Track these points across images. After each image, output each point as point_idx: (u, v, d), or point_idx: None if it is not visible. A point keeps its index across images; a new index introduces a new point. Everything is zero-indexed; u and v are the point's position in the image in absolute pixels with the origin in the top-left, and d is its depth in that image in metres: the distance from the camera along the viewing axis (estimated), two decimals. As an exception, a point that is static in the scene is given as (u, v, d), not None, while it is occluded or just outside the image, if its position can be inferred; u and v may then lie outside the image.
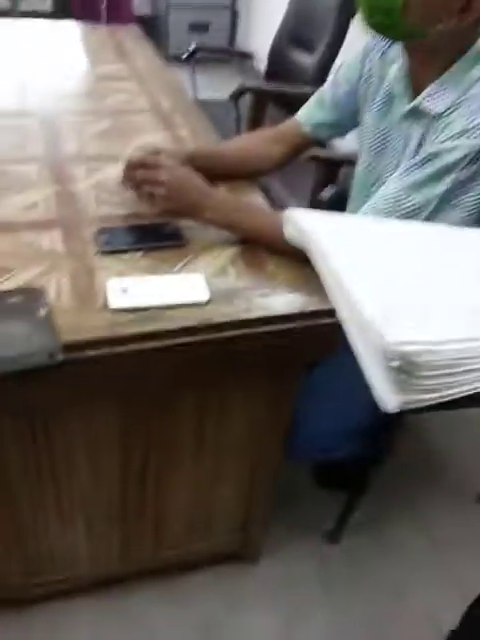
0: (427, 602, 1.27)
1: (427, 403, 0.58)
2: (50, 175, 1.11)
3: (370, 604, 1.27)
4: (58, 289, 0.82)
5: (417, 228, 0.88)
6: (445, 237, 0.85)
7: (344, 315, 0.69)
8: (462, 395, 0.59)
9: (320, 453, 1.10)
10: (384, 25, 0.88)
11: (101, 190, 1.08)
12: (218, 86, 3.04)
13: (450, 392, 0.58)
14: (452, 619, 0.87)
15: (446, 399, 0.60)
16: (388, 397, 0.58)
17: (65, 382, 0.75)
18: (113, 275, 0.86)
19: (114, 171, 1.11)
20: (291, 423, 1.04)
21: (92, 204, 1.03)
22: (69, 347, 0.72)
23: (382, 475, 1.26)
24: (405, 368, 0.55)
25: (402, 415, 1.21)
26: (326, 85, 1.16)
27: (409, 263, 0.72)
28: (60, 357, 0.70)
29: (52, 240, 0.92)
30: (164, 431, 0.95)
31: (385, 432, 1.19)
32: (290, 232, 0.85)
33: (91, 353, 0.75)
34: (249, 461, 1.08)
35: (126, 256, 0.90)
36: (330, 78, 1.15)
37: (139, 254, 0.92)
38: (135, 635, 1.17)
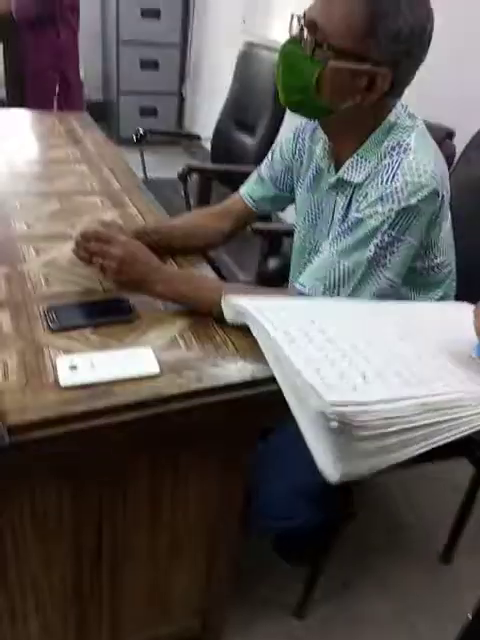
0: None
1: (367, 471, 0.59)
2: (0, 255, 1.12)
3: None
4: (5, 369, 0.81)
5: (344, 304, 0.94)
6: (367, 309, 0.92)
7: (285, 387, 0.71)
8: (397, 462, 0.61)
9: (276, 521, 1.09)
10: (299, 102, 0.97)
11: (51, 268, 1.09)
12: (167, 166, 3.17)
13: (386, 458, 0.59)
14: None
15: (383, 466, 0.61)
16: (330, 466, 0.59)
17: (12, 465, 0.73)
18: (62, 352, 0.86)
19: (65, 249, 1.13)
20: (246, 496, 1.03)
21: (41, 283, 1.04)
22: (16, 428, 0.71)
23: (343, 541, 1.24)
24: (343, 429, 0.57)
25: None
26: (263, 165, 1.24)
27: (340, 335, 0.75)
28: (6, 441, 0.69)
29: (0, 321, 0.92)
30: (117, 508, 0.92)
31: (341, 495, 1.18)
32: (229, 314, 0.90)
33: (40, 433, 0.73)
34: (206, 538, 1.05)
35: (75, 333, 0.91)
36: (267, 159, 1.24)
37: (88, 330, 0.92)
38: None
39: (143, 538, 0.98)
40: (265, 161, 1.24)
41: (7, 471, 0.74)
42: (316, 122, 1.11)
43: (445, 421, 0.59)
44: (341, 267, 0.96)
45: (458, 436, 0.60)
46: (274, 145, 1.24)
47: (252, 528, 1.10)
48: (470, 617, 0.69)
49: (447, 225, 1.05)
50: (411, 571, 1.45)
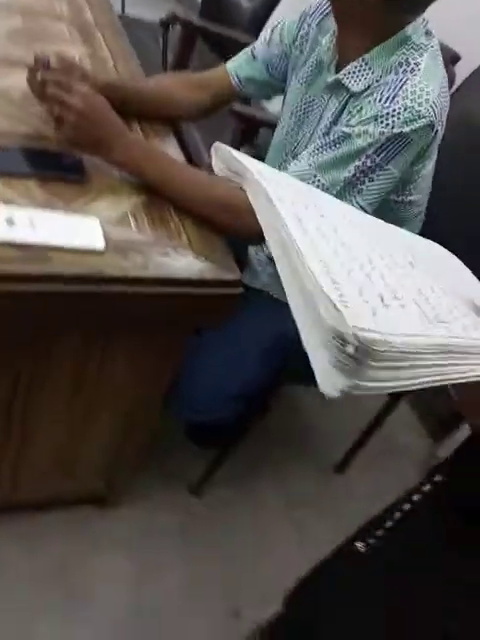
0: (276, 559, 1.35)
1: (368, 392, 0.58)
2: None
3: (225, 559, 1.33)
4: None
5: (349, 207, 0.85)
6: (373, 221, 0.82)
7: (288, 280, 0.61)
8: (400, 390, 0.60)
9: (199, 414, 1.11)
10: None
11: (2, 99, 0.96)
12: (149, 4, 2.82)
13: (391, 384, 0.57)
14: (295, 578, 0.93)
15: (386, 391, 0.60)
16: (330, 382, 0.56)
17: None
18: (0, 201, 0.78)
19: (20, 79, 0.99)
20: (174, 379, 1.03)
21: (-13, 115, 0.92)
22: None
23: (251, 436, 1.30)
24: (358, 355, 0.54)
25: (281, 384, 1.26)
26: (259, 42, 1.11)
27: (353, 240, 0.69)
28: None
29: None
30: (37, 373, 0.90)
31: (262, 399, 1.22)
32: (218, 164, 0.80)
33: (-38, 287, 0.68)
34: (126, 409, 1.06)
35: (17, 182, 0.82)
36: (264, 35, 1.10)
37: (33, 182, 0.84)
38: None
39: (60, 402, 0.98)
40: (261, 39, 1.10)
41: None
42: (328, 8, 0.98)
43: (457, 365, 0.58)
44: (316, 181, 0.90)
45: (461, 381, 0.60)
46: (273, 24, 1.10)
47: (172, 411, 1.12)
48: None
49: (431, 164, 1.00)
50: (307, 473, 1.55)
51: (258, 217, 0.69)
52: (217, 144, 0.78)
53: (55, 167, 0.87)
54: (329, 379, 0.56)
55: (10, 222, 0.74)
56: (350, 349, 0.52)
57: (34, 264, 0.72)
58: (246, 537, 1.38)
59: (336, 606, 0.77)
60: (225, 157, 0.76)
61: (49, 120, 0.92)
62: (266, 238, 0.68)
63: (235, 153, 0.74)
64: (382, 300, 0.57)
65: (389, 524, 0.74)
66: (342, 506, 1.50)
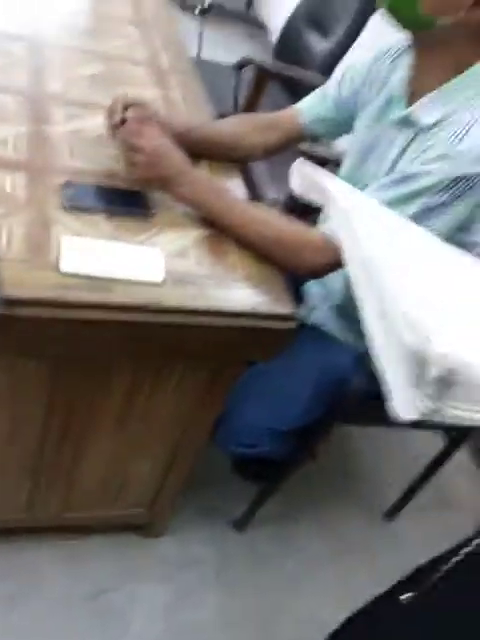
0: (314, 603, 1.32)
1: (446, 419, 0.56)
2: (27, 112, 1.05)
3: (261, 596, 1.31)
4: (10, 237, 0.79)
5: (427, 233, 0.84)
6: (449, 248, 0.82)
7: (368, 300, 0.62)
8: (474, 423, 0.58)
9: (245, 447, 1.12)
10: (398, 6, 0.87)
11: (77, 139, 1.03)
12: (225, 47, 2.95)
13: (473, 416, 0.56)
14: (335, 622, 0.90)
15: (465, 422, 0.59)
16: (409, 403, 0.55)
17: (-2, 335, 0.73)
18: (71, 233, 0.83)
19: (97, 122, 1.06)
20: (221, 412, 1.04)
21: (65, 153, 0.99)
22: (9, 302, 0.70)
23: (298, 475, 1.29)
24: (440, 380, 0.53)
25: (332, 422, 1.24)
26: (330, 82, 1.13)
27: (440, 269, 0.67)
28: (-3, 311, 0.67)
29: (14, 183, 0.88)
30: (93, 397, 0.94)
31: (311, 437, 1.21)
32: (297, 182, 0.80)
33: (30, 312, 0.72)
34: (172, 441, 1.08)
35: (87, 216, 0.87)
36: (336, 76, 1.13)
37: (102, 216, 0.88)
38: (25, 586, 1.17)
39: (111, 427, 1.01)
40: (333, 79, 1.13)
41: (-8, 340, 0.74)
42: (403, 47, 1.00)
43: None
44: None
45: None
46: (347, 64, 1.13)
47: (218, 442, 1.13)
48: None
49: None
50: (354, 518, 1.51)
51: (340, 238, 0.69)
52: (299, 162, 0.78)
53: (123, 203, 0.92)
54: (405, 402, 0.56)
55: (79, 252, 0.78)
56: (434, 372, 0.52)
57: (97, 293, 0.76)
58: (284, 578, 1.35)
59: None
60: (307, 175, 0.77)
61: (120, 160, 0.98)
62: (345, 259, 0.67)
63: (318, 172, 0.75)
64: (464, 326, 0.55)
65: (435, 577, 0.71)
66: (388, 555, 1.45)
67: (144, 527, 1.28)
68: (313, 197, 0.75)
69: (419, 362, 0.52)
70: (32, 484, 1.07)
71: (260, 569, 1.35)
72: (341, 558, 1.43)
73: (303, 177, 0.76)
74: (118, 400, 0.95)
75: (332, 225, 0.73)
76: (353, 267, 0.64)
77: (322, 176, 0.73)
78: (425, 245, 0.73)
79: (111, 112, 0.99)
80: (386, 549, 1.47)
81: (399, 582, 0.75)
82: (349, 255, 0.65)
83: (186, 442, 1.07)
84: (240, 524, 1.38)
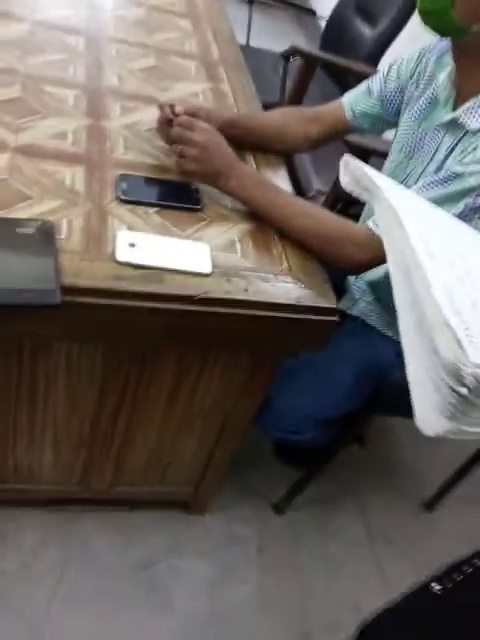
0: (351, 588, 1.35)
1: (468, 437, 0.54)
2: (85, 106, 1.10)
3: (300, 576, 1.35)
4: (69, 228, 0.84)
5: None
6: None
7: (405, 304, 0.59)
8: None
9: (287, 434, 1.15)
10: (432, 11, 0.87)
11: (132, 133, 1.08)
12: (273, 34, 2.94)
13: None
14: (370, 608, 0.93)
15: None
16: (432, 420, 0.51)
17: (58, 321, 0.78)
18: (125, 226, 0.88)
19: (149, 116, 1.11)
20: (265, 397, 1.08)
21: (120, 146, 1.03)
22: (68, 290, 0.75)
23: (339, 462, 1.31)
24: (471, 397, 0.48)
25: (372, 413, 1.26)
26: (376, 77, 1.14)
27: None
28: (59, 299, 0.73)
29: (74, 176, 0.93)
30: (142, 380, 0.99)
31: (352, 425, 1.24)
32: (345, 179, 0.79)
33: (88, 299, 0.77)
34: (217, 423, 1.12)
35: (141, 209, 0.92)
36: (382, 70, 1.14)
37: (154, 209, 0.93)
38: (75, 555, 1.25)
39: (160, 408, 1.06)
40: (378, 74, 1.14)
41: (53, 325, 0.79)
42: (448, 44, 1.00)
43: None
44: None
45: None
46: (393, 60, 1.13)
47: (260, 427, 1.17)
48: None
49: None
50: (393, 508, 1.53)
51: (383, 237, 0.68)
52: (347, 158, 0.77)
53: (174, 196, 0.96)
54: (430, 418, 0.52)
55: (132, 245, 0.83)
56: (463, 390, 0.48)
57: (150, 283, 0.80)
58: (323, 562, 1.39)
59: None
60: (355, 172, 0.76)
61: (171, 153, 1.02)
62: (388, 261, 0.65)
63: (367, 169, 0.74)
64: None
65: (469, 570, 0.73)
66: (426, 545, 1.46)
67: (189, 504, 1.34)
68: (361, 193, 0.75)
69: (449, 375, 0.49)
70: (87, 457, 1.14)
71: (300, 551, 1.39)
72: (380, 545, 1.45)
73: (351, 173, 0.77)
74: (167, 383, 1.00)
75: (378, 222, 0.73)
76: (394, 268, 0.63)
77: (371, 172, 0.73)
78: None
79: (162, 106, 1.02)
80: (425, 539, 1.49)
81: (434, 574, 0.77)
82: (392, 257, 0.64)
83: (230, 425, 1.12)
84: (280, 506, 1.42)
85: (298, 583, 1.34)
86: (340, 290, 1.19)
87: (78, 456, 1.14)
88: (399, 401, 1.24)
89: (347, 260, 0.94)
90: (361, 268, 0.97)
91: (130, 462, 1.17)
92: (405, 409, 0.62)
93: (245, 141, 1.09)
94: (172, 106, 1.00)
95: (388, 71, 1.12)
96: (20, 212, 0.84)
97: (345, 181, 0.78)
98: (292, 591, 1.32)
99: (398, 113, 1.13)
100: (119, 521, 1.31)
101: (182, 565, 1.29)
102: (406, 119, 1.09)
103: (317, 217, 0.94)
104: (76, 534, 1.27)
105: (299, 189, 1.71)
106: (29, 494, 1.24)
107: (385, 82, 1.12)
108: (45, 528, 1.26)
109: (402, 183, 1.09)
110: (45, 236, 0.80)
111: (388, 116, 1.14)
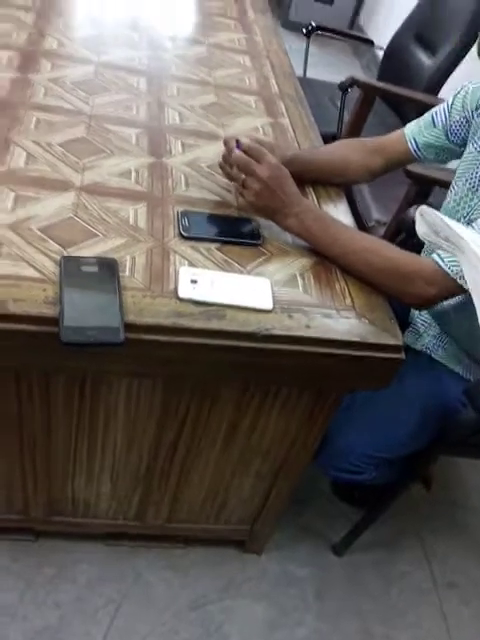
0: (413, 635, 1.28)
1: None
2: (147, 144, 1.13)
3: (359, 622, 1.29)
4: (132, 266, 0.85)
5: None
6: None
7: None
8: None
9: (346, 473, 1.11)
10: None
11: (193, 169, 1.09)
12: (330, 66, 2.97)
13: None
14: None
15: None
16: None
17: (121, 358, 0.78)
18: (187, 263, 0.88)
19: (209, 152, 1.12)
20: (324, 436, 1.05)
21: (181, 183, 1.05)
22: (131, 327, 0.75)
23: (403, 503, 1.26)
24: None
25: (438, 453, 1.21)
26: (441, 107, 1.12)
27: None
28: (122, 337, 0.73)
29: (137, 213, 0.95)
30: (201, 416, 0.98)
31: (417, 466, 1.18)
32: (422, 228, 0.78)
33: (151, 337, 0.77)
34: (275, 462, 1.10)
35: (203, 245, 0.92)
36: (447, 101, 1.11)
37: (215, 245, 0.93)
38: (129, 589, 1.24)
39: (217, 445, 1.05)
40: (442, 105, 1.11)
41: (114, 361, 0.80)
42: None
43: None
44: None
45: None
46: (458, 90, 1.10)
47: (319, 465, 1.13)
48: None
49: None
50: (460, 551, 1.46)
51: (470, 287, 0.68)
52: (423, 208, 0.77)
53: (234, 231, 0.96)
54: None
55: (194, 282, 0.83)
56: None
57: (211, 320, 0.80)
58: (384, 608, 1.33)
59: None
60: (433, 222, 0.76)
61: (231, 188, 1.02)
62: (478, 312, 0.65)
63: (446, 219, 0.73)
64: None
65: None
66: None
67: (245, 543, 1.31)
68: (440, 243, 0.73)
69: None
70: (143, 492, 1.14)
71: (359, 594, 1.33)
72: (445, 592, 1.38)
73: (429, 223, 0.75)
74: (225, 419, 0.99)
75: (465, 275, 0.70)
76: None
77: (450, 223, 0.72)
78: None
79: (227, 141, 1.02)
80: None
81: None
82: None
83: (289, 463, 1.09)
84: (340, 548, 1.37)
85: (357, 629, 1.28)
86: (403, 323, 1.15)
87: (135, 491, 1.13)
88: (467, 441, 1.20)
89: (417, 296, 0.90)
90: (429, 303, 0.94)
91: (186, 498, 1.16)
92: (473, 450, 0.59)
93: (306, 176, 1.08)
94: (237, 141, 1.00)
95: (453, 101, 1.09)
96: (86, 250, 0.85)
97: (422, 231, 0.77)
98: (350, 637, 1.26)
99: (464, 143, 1.09)
100: (174, 558, 1.30)
101: (237, 605, 1.26)
102: (471, 151, 1.05)
103: (382, 252, 0.91)
104: (131, 569, 1.27)
105: (358, 220, 1.69)
106: (86, 528, 1.24)
107: (450, 113, 1.09)
108: (101, 562, 1.26)
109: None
110: (109, 273, 0.81)
111: (453, 147, 1.11)
